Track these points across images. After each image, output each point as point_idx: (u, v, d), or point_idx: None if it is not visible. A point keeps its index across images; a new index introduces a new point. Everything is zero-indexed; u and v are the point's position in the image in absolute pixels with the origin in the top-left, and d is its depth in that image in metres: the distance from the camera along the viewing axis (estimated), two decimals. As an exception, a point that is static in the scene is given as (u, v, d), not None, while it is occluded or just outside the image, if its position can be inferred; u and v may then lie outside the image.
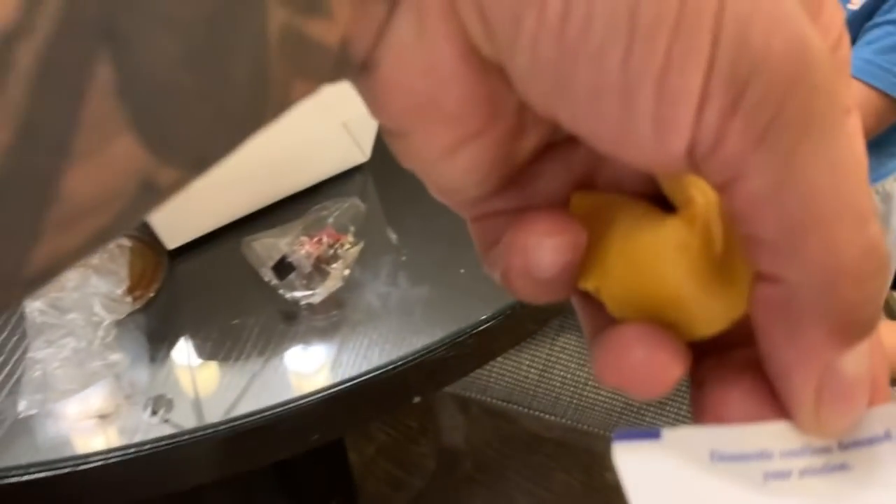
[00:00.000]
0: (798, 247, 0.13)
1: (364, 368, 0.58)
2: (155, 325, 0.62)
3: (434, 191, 0.17)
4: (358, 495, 1.13)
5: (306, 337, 0.60)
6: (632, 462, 0.15)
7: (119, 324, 0.61)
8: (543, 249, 0.15)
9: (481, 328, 0.61)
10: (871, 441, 0.15)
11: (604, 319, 0.17)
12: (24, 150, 0.10)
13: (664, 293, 0.16)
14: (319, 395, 0.57)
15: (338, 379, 0.58)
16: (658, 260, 0.16)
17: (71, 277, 0.61)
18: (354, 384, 0.58)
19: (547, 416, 0.91)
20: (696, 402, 0.16)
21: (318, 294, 0.60)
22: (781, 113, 0.12)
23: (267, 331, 0.61)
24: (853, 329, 0.14)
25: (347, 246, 0.63)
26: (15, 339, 0.60)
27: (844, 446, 0.15)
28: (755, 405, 0.15)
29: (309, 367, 0.59)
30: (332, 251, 0.62)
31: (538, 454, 1.21)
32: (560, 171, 0.17)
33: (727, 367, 0.16)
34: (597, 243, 0.16)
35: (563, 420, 0.91)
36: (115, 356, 0.58)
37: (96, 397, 0.58)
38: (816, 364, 0.14)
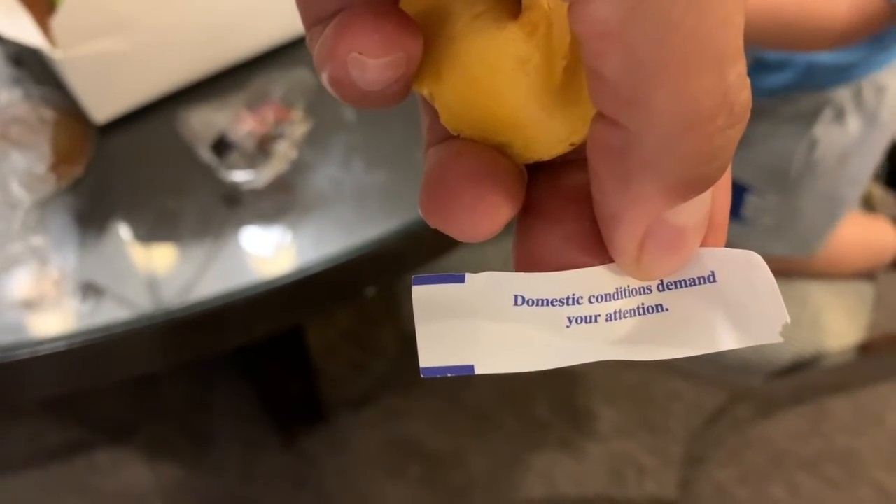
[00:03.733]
0: (642, 93, 0.11)
1: (313, 259, 0.54)
2: (84, 207, 0.57)
3: None
4: (319, 379, 1.12)
5: (250, 223, 0.56)
6: (428, 303, 0.14)
7: (43, 205, 0.55)
8: (367, 68, 0.13)
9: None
10: (694, 282, 0.15)
11: (443, 128, 0.15)
12: None
13: (499, 112, 0.14)
14: (264, 286, 0.53)
15: (284, 270, 0.54)
16: (493, 74, 0.14)
17: (-15, 152, 0.54)
18: (302, 276, 0.54)
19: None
20: (517, 230, 0.15)
21: (261, 177, 0.55)
22: None
23: (207, 215, 0.56)
24: (693, 185, 0.13)
25: (295, 123, 0.57)
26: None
27: (665, 287, 0.15)
28: (573, 251, 0.14)
29: (253, 256, 0.55)
30: (277, 129, 0.56)
31: (501, 341, 1.20)
32: None
33: (555, 196, 0.15)
34: (432, 41, 0.14)
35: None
36: (38, 239, 0.53)
37: (20, 283, 0.53)
38: (645, 216, 0.13)
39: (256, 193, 0.56)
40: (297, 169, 0.57)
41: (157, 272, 0.54)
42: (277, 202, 0.57)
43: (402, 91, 0.14)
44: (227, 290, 0.53)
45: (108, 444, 1.13)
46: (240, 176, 0.55)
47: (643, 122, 0.12)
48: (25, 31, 0.52)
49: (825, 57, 0.68)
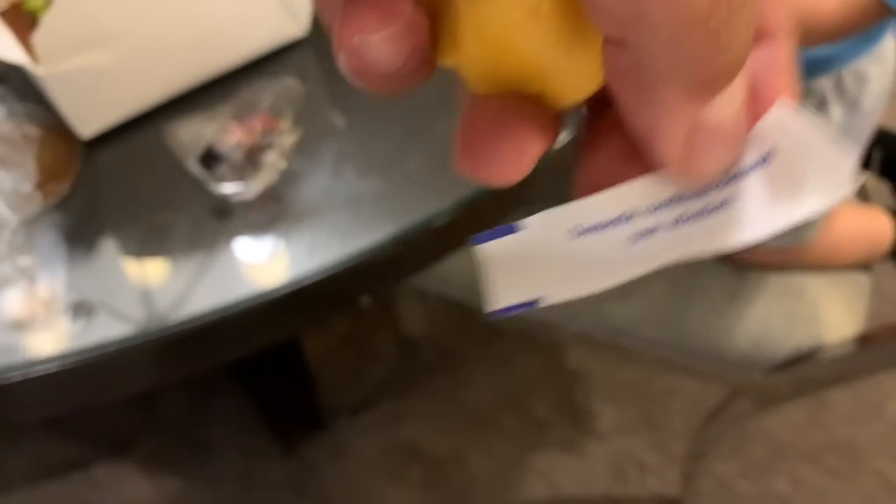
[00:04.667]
0: (638, 5, 0.12)
1: (307, 269, 0.53)
2: (72, 224, 0.56)
3: None
4: (317, 386, 1.12)
5: (241, 235, 0.55)
6: (492, 256, 0.15)
7: (30, 224, 0.54)
8: (373, 47, 0.13)
9: (435, 224, 0.56)
10: (749, 170, 0.14)
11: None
12: None
13: (521, 64, 0.14)
14: (259, 298, 0.53)
15: (278, 281, 0.53)
16: (509, 30, 0.14)
17: (-31, 171, 0.54)
18: (297, 286, 0.53)
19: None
20: (576, 169, 0.16)
21: (251, 189, 0.54)
22: None
23: (198, 228, 0.55)
24: (713, 82, 0.13)
25: (284, 133, 0.56)
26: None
27: (724, 182, 0.14)
28: (621, 166, 0.15)
29: (246, 268, 0.54)
30: (265, 139, 0.55)
31: (498, 342, 1.20)
32: None
33: (599, 126, 0.16)
34: (446, 13, 0.14)
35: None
36: (27, 259, 0.52)
37: (10, 304, 0.52)
38: (679, 123, 0.13)
39: (247, 205, 0.56)
40: (288, 179, 0.57)
41: (149, 288, 0.53)
42: (269, 213, 0.56)
43: (422, 67, 0.14)
44: (221, 304, 0.52)
45: (108, 459, 1.12)
46: (229, 188, 0.55)
47: (646, 34, 0.12)
48: (6, 47, 0.52)
49: (808, 49, 0.67)
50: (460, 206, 0.56)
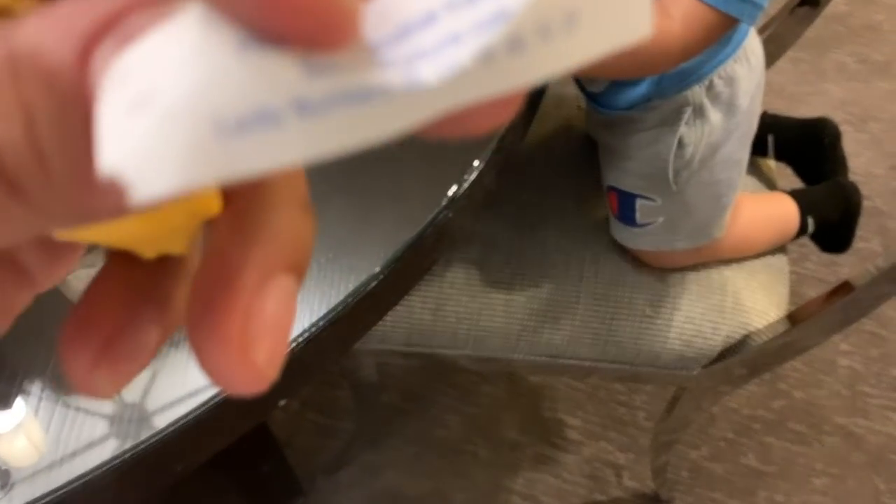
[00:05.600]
0: None
1: (214, 390, 0.54)
2: (-19, 390, 0.56)
3: None
4: (288, 454, 1.12)
5: (149, 370, 0.56)
6: None
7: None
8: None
9: (335, 318, 0.57)
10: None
11: None
12: None
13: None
14: (174, 426, 0.54)
15: (193, 405, 0.54)
16: None
17: None
18: (213, 404, 0.54)
19: (449, 352, 0.90)
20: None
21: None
22: None
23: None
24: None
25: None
26: None
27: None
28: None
29: (158, 400, 0.55)
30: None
31: (458, 374, 1.21)
32: None
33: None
34: None
35: (466, 352, 0.90)
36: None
37: (-68, 485, 0.53)
38: None
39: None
40: (185, 304, 0.58)
41: (67, 440, 0.54)
42: (171, 342, 0.57)
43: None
44: (137, 442, 0.53)
45: (96, 567, 1.12)
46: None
47: None
48: None
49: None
50: (354, 296, 0.57)
